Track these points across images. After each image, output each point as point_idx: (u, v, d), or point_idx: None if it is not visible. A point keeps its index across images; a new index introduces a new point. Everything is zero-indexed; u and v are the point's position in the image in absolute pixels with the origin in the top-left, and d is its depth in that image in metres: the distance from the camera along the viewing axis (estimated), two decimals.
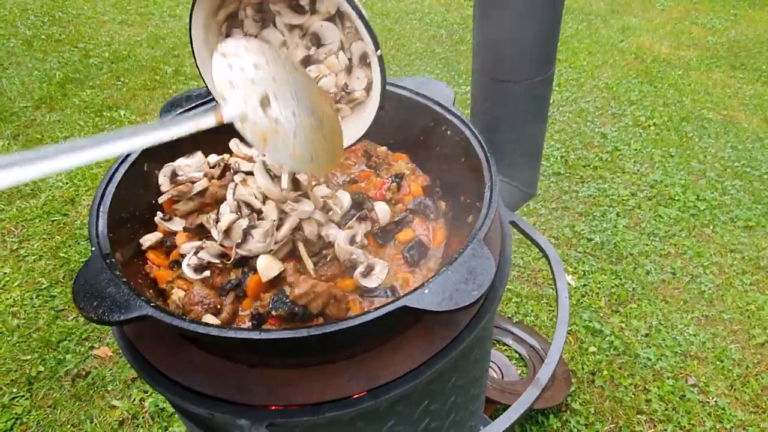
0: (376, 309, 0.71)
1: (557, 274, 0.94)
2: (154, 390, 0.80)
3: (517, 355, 2.29)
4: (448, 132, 1.04)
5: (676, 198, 3.08)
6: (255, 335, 0.68)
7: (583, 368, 2.23)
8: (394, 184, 1.06)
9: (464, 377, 0.94)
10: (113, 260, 0.80)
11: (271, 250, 0.89)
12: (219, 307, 0.85)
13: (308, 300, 0.82)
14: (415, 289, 0.73)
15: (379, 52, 0.79)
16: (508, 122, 1.16)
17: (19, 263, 2.68)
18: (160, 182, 1.00)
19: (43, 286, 2.55)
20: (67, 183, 3.18)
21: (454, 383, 0.92)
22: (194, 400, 0.78)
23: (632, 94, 4.09)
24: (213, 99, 1.11)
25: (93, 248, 0.81)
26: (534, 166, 1.30)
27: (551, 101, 3.94)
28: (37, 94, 4.04)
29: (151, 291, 0.86)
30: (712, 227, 2.90)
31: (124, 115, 3.82)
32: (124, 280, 0.76)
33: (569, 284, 2.56)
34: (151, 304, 0.73)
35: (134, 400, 2.11)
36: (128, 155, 0.98)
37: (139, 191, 1.00)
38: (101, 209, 0.87)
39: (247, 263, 0.90)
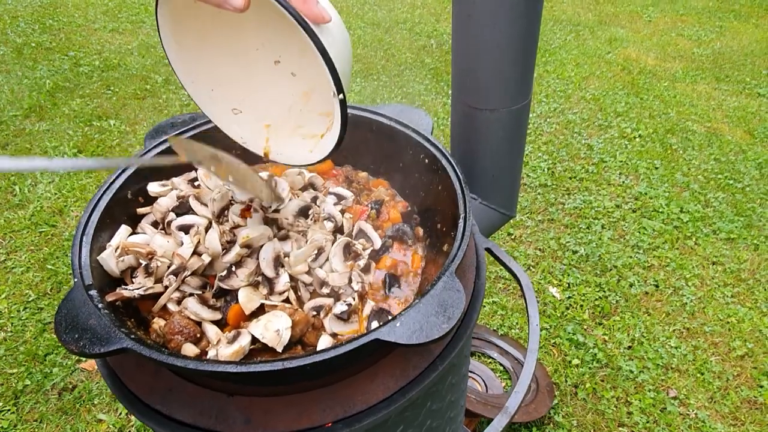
0: (350, 341, 0.74)
1: (529, 301, 0.97)
2: (139, 418, 0.81)
3: (502, 368, 2.32)
4: (426, 160, 1.07)
5: (660, 210, 3.13)
6: (232, 368, 0.70)
7: (566, 381, 2.26)
8: (374, 211, 1.08)
9: (439, 401, 0.97)
10: (95, 291, 0.82)
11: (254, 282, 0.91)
12: (199, 335, 0.87)
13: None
14: (387, 322, 0.76)
15: (341, 95, 0.78)
16: (486, 148, 1.19)
17: (6, 275, 2.68)
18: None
19: (31, 299, 2.55)
20: (55, 194, 3.19)
21: (429, 408, 0.95)
22: (174, 429, 0.80)
23: (618, 105, 4.15)
24: (194, 126, 1.14)
25: (75, 279, 0.83)
26: (513, 190, 1.33)
27: (539, 113, 4.00)
28: (27, 103, 4.04)
29: (132, 320, 0.88)
30: (694, 239, 2.95)
31: (114, 124, 3.83)
32: (106, 311, 0.78)
33: (554, 297, 2.59)
34: (132, 336, 0.75)
35: (121, 413, 2.12)
36: (112, 183, 1.00)
37: (123, 218, 1.02)
38: (84, 239, 0.88)
39: (228, 293, 0.92)
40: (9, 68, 4.53)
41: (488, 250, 1.06)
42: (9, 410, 2.12)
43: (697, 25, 5.60)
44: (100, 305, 0.79)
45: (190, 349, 0.84)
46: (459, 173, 0.97)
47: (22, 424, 2.08)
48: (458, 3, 1.06)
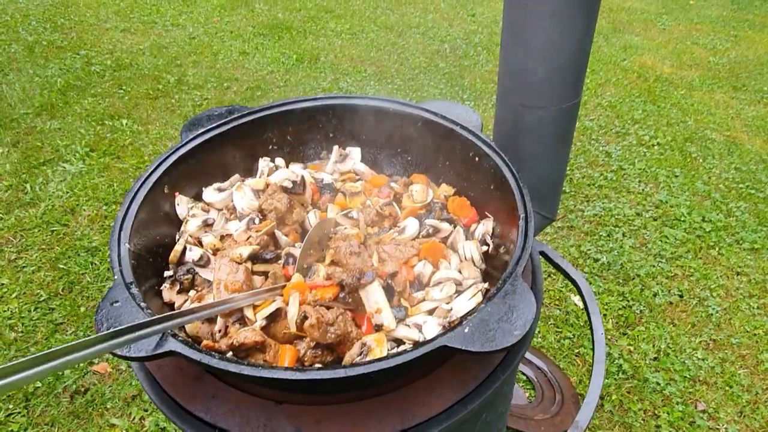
0: (414, 348, 0.68)
1: (592, 311, 0.91)
2: (177, 427, 0.76)
3: (524, 378, 2.25)
4: (476, 158, 1.02)
5: (682, 219, 3.08)
6: (291, 375, 0.64)
7: None
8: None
9: (493, 413, 0.91)
10: (137, 290, 0.77)
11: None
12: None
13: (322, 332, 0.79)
14: (454, 327, 0.70)
15: None
16: (533, 148, 1.14)
17: (17, 274, 2.63)
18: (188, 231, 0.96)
19: (42, 299, 2.50)
20: (67, 192, 3.14)
21: (484, 420, 0.89)
22: None
23: (636, 113, 4.10)
24: (232, 120, 1.09)
25: (116, 276, 0.78)
26: (556, 192, 1.28)
27: None
28: (38, 101, 4.00)
29: None
30: (718, 249, 2.89)
31: (126, 124, 3.78)
32: (149, 311, 0.73)
33: (576, 305, 2.53)
34: (179, 339, 0.69)
35: (134, 418, 2.06)
36: (147, 178, 0.95)
37: (159, 214, 0.97)
38: (122, 236, 0.83)
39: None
40: (20, 66, 4.49)
41: (542, 253, 1.00)
42: (19, 413, 2.06)
43: (712, 33, 5.56)
44: (143, 305, 0.74)
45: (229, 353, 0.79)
46: (516, 173, 0.92)
47: (33, 427, 2.03)
48: (513, 4, 1.02)
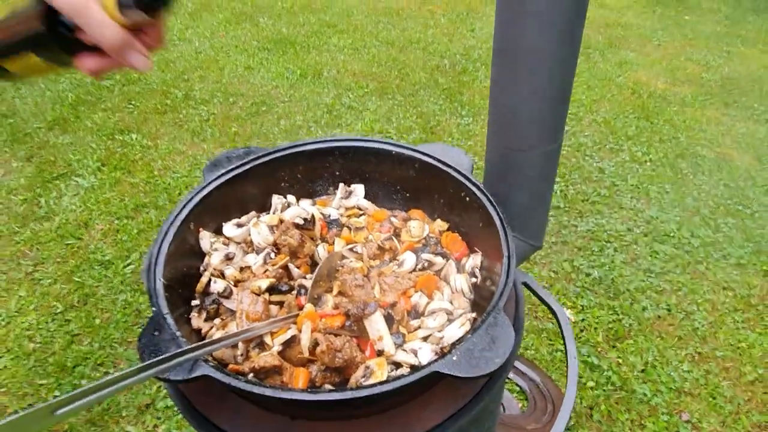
0: (412, 373, 0.80)
1: (567, 337, 1.03)
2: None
3: (518, 389, 2.37)
4: (467, 198, 1.14)
5: (671, 234, 3.20)
6: (307, 397, 0.77)
7: (581, 403, 2.31)
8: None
9: (479, 428, 1.03)
10: (172, 319, 0.89)
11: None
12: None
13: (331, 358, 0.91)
14: (444, 356, 0.83)
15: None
16: (520, 185, 1.27)
17: (34, 286, 2.76)
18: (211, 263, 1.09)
19: (58, 311, 2.62)
20: (80, 206, 3.27)
21: None
22: None
23: (629, 129, 4.23)
24: (249, 161, 1.21)
25: (154, 308, 0.90)
26: (542, 222, 1.40)
27: None
28: (50, 116, 4.14)
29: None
30: (705, 264, 3.01)
31: (136, 138, 3.92)
32: (183, 340, 0.85)
33: (568, 319, 2.65)
34: (211, 364, 0.82)
35: (148, 426, 2.18)
36: (176, 217, 1.07)
37: (186, 247, 1.09)
38: (157, 271, 0.96)
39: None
40: (32, 80, 4.63)
41: (525, 284, 1.13)
42: None
43: (705, 49, 5.69)
44: (178, 333, 0.86)
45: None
46: (501, 214, 1.05)
47: None
48: (501, 61, 1.14)
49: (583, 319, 2.67)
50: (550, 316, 2.69)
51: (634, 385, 2.37)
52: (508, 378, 2.38)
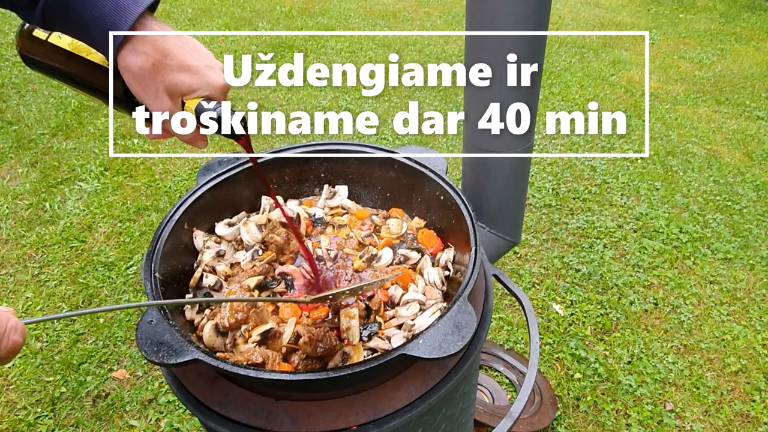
0: (381, 355, 0.89)
1: (531, 323, 1.12)
2: (201, 419, 0.97)
3: (507, 381, 2.45)
4: (442, 197, 1.23)
5: (660, 230, 3.27)
6: (287, 377, 0.85)
7: (568, 393, 2.39)
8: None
9: (452, 408, 1.12)
10: (167, 312, 0.98)
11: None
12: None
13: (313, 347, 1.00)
14: (411, 340, 0.91)
15: None
16: (493, 186, 1.35)
17: (40, 288, 2.85)
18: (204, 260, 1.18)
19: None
20: (84, 210, 3.37)
21: (444, 413, 1.09)
22: (231, 428, 0.96)
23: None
24: (239, 164, 1.30)
25: (150, 300, 0.99)
26: (517, 219, 1.48)
27: (544, 135, 4.15)
28: (54, 122, 4.24)
29: (193, 335, 1.04)
30: (693, 259, 3.08)
31: (137, 143, 4.02)
32: (177, 328, 0.94)
33: (557, 313, 2.73)
34: (200, 348, 0.90)
35: (151, 420, 2.27)
36: (171, 218, 1.16)
37: (180, 247, 1.18)
38: (153, 269, 1.04)
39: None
40: (36, 87, 4.74)
41: (495, 276, 1.21)
42: (47, 416, 2.28)
43: (699, 47, 5.76)
44: (172, 322, 0.95)
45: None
46: (471, 212, 1.13)
47: (60, 429, 2.24)
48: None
49: (572, 314, 2.75)
50: (541, 310, 2.78)
51: (620, 377, 2.45)
52: (498, 371, 2.47)
